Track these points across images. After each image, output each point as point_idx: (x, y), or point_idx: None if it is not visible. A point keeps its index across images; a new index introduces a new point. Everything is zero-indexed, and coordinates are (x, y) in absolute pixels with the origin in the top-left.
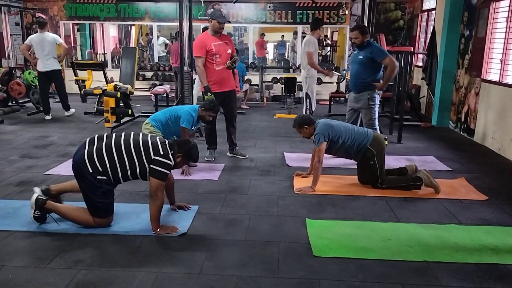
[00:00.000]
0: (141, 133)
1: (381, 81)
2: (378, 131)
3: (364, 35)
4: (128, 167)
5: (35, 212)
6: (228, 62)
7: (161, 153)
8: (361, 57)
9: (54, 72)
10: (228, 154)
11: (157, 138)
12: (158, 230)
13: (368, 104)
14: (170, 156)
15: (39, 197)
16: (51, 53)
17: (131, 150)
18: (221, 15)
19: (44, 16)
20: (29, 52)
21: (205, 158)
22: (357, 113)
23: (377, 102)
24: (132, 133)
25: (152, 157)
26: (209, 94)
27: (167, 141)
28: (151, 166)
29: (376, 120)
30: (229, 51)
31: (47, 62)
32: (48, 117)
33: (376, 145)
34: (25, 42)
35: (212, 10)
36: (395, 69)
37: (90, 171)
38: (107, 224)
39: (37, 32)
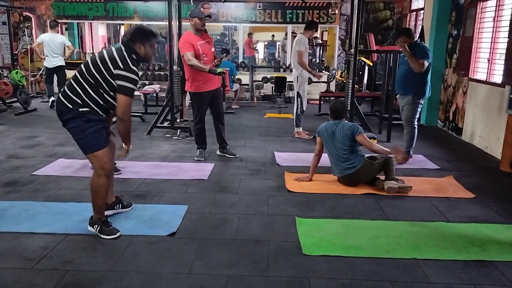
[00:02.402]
0: (103, 51)
1: (427, 88)
2: (416, 131)
3: (411, 37)
4: (100, 88)
5: (102, 228)
6: (216, 61)
7: (121, 66)
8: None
9: (59, 67)
10: (218, 152)
11: (114, 49)
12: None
13: (412, 101)
14: (132, 67)
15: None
16: (59, 52)
17: (92, 71)
18: (200, 11)
19: (56, 20)
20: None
21: (195, 158)
22: None
23: (421, 102)
24: (95, 54)
25: (114, 72)
26: (218, 70)
27: (123, 48)
28: (116, 81)
29: (416, 119)
30: (213, 49)
31: (55, 60)
32: (49, 99)
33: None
34: (37, 40)
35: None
36: (416, 69)
37: (71, 106)
38: (108, 163)
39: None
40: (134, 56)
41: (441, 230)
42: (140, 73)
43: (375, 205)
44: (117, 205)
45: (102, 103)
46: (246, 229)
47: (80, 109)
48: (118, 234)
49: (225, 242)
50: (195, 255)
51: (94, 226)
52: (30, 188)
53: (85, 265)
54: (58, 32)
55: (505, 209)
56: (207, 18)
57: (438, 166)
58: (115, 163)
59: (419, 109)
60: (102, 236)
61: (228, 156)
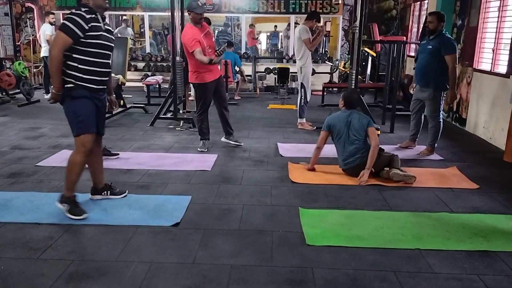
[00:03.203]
0: None
1: (447, 80)
2: (442, 124)
3: (440, 22)
4: (73, 53)
5: (71, 208)
6: (218, 51)
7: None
8: (430, 46)
9: (47, 57)
10: (222, 139)
11: None
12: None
13: (433, 95)
14: (75, 11)
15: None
16: (45, 41)
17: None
18: (197, 5)
19: (49, 11)
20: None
21: (198, 149)
22: (422, 103)
23: (443, 94)
24: None
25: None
26: (219, 59)
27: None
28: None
29: (441, 113)
30: (214, 39)
31: (44, 49)
32: (46, 96)
33: None
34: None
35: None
36: (455, 68)
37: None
38: (90, 142)
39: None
40: (87, 9)
41: (444, 221)
42: (143, 64)
43: (379, 196)
44: (105, 192)
45: (82, 66)
46: (249, 219)
47: (66, 86)
48: (84, 216)
49: (229, 233)
50: (199, 245)
51: (63, 204)
52: (34, 179)
53: (89, 255)
54: (49, 22)
55: (508, 200)
56: (206, 10)
57: (442, 157)
58: (110, 147)
59: (442, 102)
60: (69, 215)
61: (232, 143)
